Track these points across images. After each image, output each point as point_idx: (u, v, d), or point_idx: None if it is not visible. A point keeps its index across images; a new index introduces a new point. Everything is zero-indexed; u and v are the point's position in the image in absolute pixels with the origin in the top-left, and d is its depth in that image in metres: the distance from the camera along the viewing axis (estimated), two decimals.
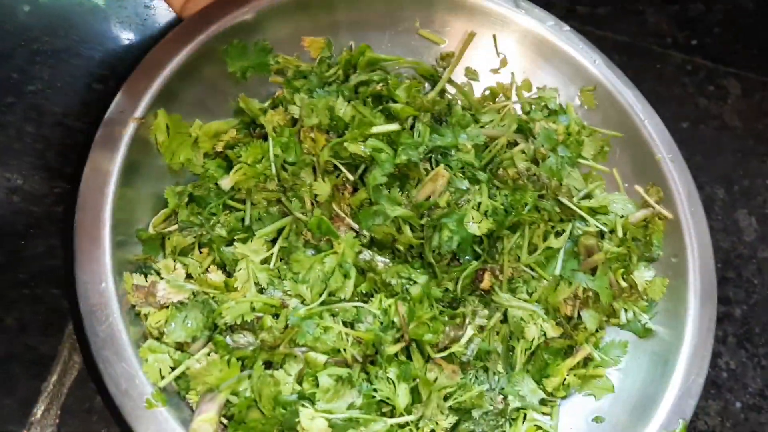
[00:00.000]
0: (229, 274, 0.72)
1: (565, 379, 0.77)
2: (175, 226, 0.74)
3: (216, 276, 0.72)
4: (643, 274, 0.83)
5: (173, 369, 0.65)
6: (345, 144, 0.74)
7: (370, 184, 0.74)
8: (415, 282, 0.73)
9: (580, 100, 0.90)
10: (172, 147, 0.78)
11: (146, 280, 0.69)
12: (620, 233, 0.83)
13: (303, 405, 0.64)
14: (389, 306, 0.71)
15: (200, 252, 0.74)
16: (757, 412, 0.91)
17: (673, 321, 0.79)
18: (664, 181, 0.85)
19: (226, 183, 0.76)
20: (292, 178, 0.74)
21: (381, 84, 0.83)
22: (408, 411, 0.68)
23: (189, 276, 0.72)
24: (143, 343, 0.66)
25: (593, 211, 0.84)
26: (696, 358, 0.76)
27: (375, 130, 0.76)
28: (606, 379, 0.79)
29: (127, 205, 0.72)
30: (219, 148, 0.79)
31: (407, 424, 0.67)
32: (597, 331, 0.81)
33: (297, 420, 0.63)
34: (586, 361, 0.80)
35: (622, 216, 0.84)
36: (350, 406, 0.65)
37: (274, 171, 0.74)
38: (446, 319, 0.72)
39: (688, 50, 1.14)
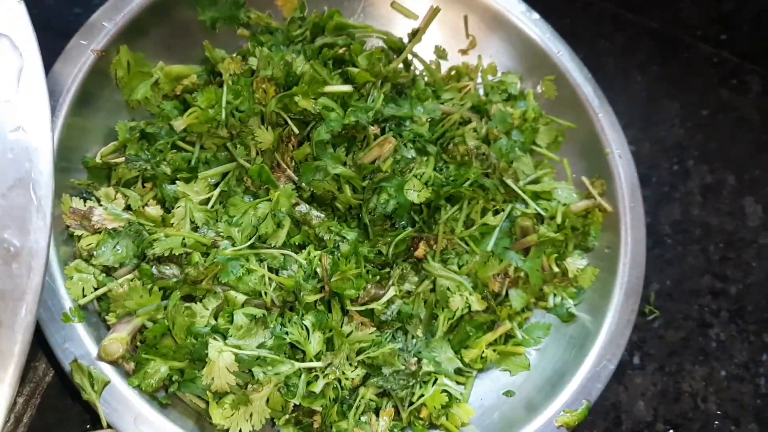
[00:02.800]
0: (168, 211, 0.75)
1: (483, 353, 0.79)
2: (122, 159, 0.76)
3: (154, 210, 0.74)
4: (577, 262, 0.84)
5: (96, 290, 0.68)
6: (296, 99, 0.76)
7: (314, 139, 0.76)
8: (345, 238, 0.75)
9: (541, 89, 0.92)
10: (132, 84, 0.80)
11: (84, 205, 0.72)
12: (559, 220, 0.84)
13: (214, 338, 0.66)
14: (314, 257, 0.73)
15: (143, 186, 0.77)
16: (740, 382, 0.94)
17: (596, 309, 0.81)
18: (609, 176, 0.87)
19: (178, 124, 0.78)
20: (240, 126, 0.76)
21: (344, 48, 0.85)
22: (318, 359, 0.70)
23: (128, 207, 0.74)
24: (71, 263, 0.68)
25: (536, 196, 0.86)
26: (610, 346, 0.77)
27: (328, 89, 0.78)
28: (524, 357, 0.80)
29: (76, 133, 0.74)
30: (178, 92, 0.82)
31: (314, 369, 0.69)
32: (523, 311, 0.83)
33: (206, 351, 0.65)
34: (508, 337, 0.82)
35: (565, 204, 0.86)
36: (260, 346, 0.68)
37: (224, 117, 0.76)
38: (370, 277, 0.74)
39: (716, 44, 1.15)
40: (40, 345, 0.68)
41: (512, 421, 0.74)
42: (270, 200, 0.74)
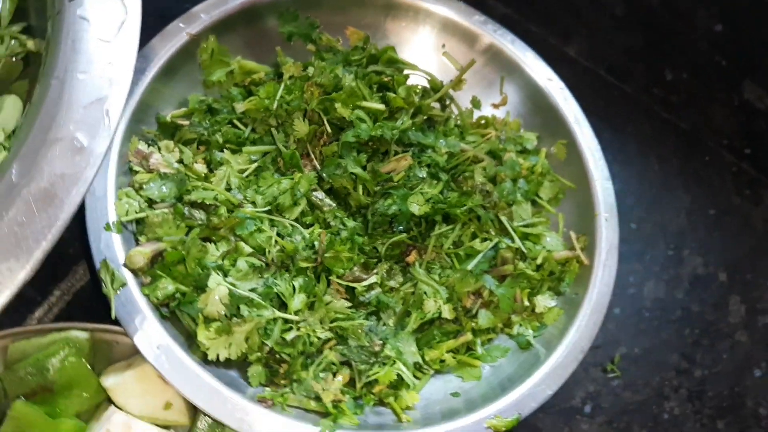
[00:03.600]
0: (211, 171, 0.90)
1: (443, 357, 0.89)
2: (187, 123, 0.93)
3: (200, 167, 0.90)
4: (546, 301, 0.94)
5: (137, 214, 0.84)
6: (336, 105, 0.91)
7: (342, 140, 0.90)
8: (346, 225, 0.88)
9: (554, 150, 1.04)
10: (211, 68, 0.98)
11: (147, 149, 0.88)
12: (539, 261, 0.95)
13: (217, 273, 0.80)
14: (316, 233, 0.86)
15: (197, 148, 0.93)
16: None
17: (551, 343, 0.90)
18: (594, 233, 0.97)
19: (239, 107, 0.94)
20: (286, 116, 0.92)
21: (389, 78, 1.00)
22: (296, 315, 0.82)
23: (180, 161, 0.90)
24: (125, 189, 0.85)
25: (525, 236, 0.97)
26: (553, 375, 0.86)
27: (364, 103, 0.93)
28: (478, 370, 0.90)
29: (156, 95, 0.92)
30: (246, 83, 0.99)
31: (291, 322, 0.82)
32: (489, 332, 0.93)
33: (207, 282, 0.79)
34: (469, 350, 0.92)
35: (549, 250, 0.97)
36: (252, 290, 0.81)
37: (275, 107, 0.92)
38: (358, 256, 0.87)
39: (739, 155, 1.24)
40: (83, 252, 0.84)
41: (450, 415, 0.84)
42: (293, 180, 0.88)
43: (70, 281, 0.90)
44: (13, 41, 0.81)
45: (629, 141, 1.21)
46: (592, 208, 0.99)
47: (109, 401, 0.80)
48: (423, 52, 1.09)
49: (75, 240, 0.91)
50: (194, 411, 0.82)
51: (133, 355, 0.82)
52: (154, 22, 0.87)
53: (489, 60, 1.08)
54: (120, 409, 0.78)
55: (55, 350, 0.77)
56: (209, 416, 0.76)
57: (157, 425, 0.79)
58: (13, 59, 0.82)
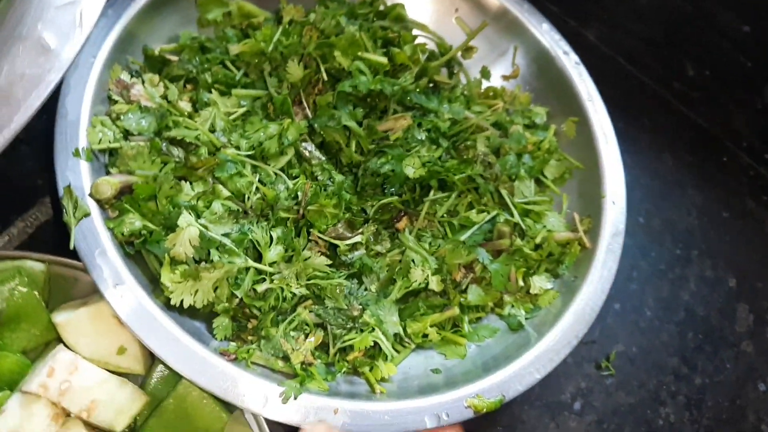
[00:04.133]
0: (196, 111, 0.84)
1: (427, 331, 0.83)
2: (176, 59, 0.87)
3: (186, 105, 0.84)
4: (543, 283, 0.88)
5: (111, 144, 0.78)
6: (335, 53, 0.85)
7: (338, 89, 0.84)
8: (334, 179, 0.82)
9: (564, 127, 0.98)
10: (209, 6, 0.92)
11: (130, 80, 0.82)
12: (538, 240, 0.88)
13: (189, 212, 0.74)
14: (301, 184, 0.80)
15: (185, 87, 0.87)
16: None
17: (543, 326, 0.83)
18: (598, 217, 0.90)
19: (234, 48, 0.89)
20: (281, 60, 0.86)
21: (396, 34, 0.94)
22: (270, 266, 0.76)
23: (165, 97, 0.84)
24: (101, 116, 0.79)
25: (526, 213, 0.90)
26: (542, 359, 0.79)
27: (365, 54, 0.87)
28: (463, 348, 0.84)
29: (146, 25, 0.86)
30: (243, 25, 0.93)
31: (264, 273, 0.75)
32: (478, 310, 0.87)
33: (177, 222, 0.73)
34: (455, 326, 0.85)
35: (549, 230, 0.90)
36: (225, 234, 0.75)
37: (270, 50, 0.86)
38: (343, 214, 0.80)
39: (757, 159, 1.19)
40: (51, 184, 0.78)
41: (429, 390, 0.77)
42: (281, 126, 0.82)
43: (34, 214, 0.84)
44: None
45: (643, 133, 1.15)
46: (600, 190, 0.92)
47: (59, 341, 0.73)
48: (434, 15, 1.03)
49: (44, 171, 0.85)
50: (150, 360, 0.76)
51: (91, 294, 0.76)
52: None
53: (502, 29, 1.02)
54: (70, 349, 0.72)
55: (4, 278, 0.71)
56: (165, 364, 0.70)
57: (108, 370, 0.73)
58: None
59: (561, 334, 0.82)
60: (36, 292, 0.72)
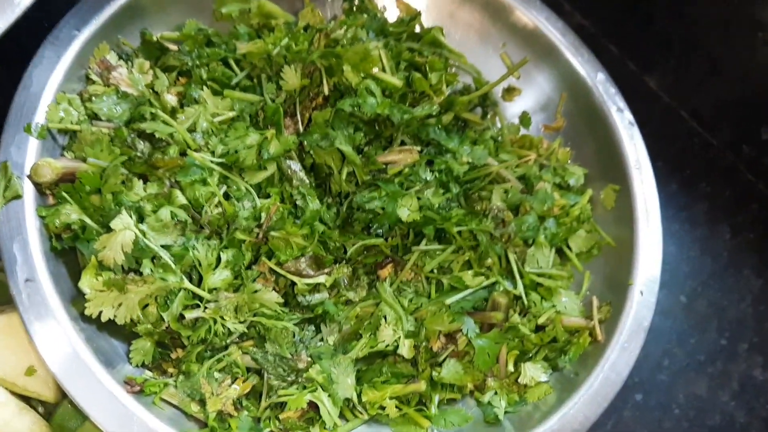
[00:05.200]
0: (181, 107, 0.76)
1: (384, 402, 0.70)
2: (176, 48, 0.80)
3: (172, 98, 0.76)
4: (537, 373, 0.73)
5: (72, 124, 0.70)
6: (344, 67, 0.75)
7: (337, 107, 0.74)
8: (308, 206, 0.71)
9: (603, 194, 0.84)
10: (227, 0, 0.84)
11: (117, 61, 0.75)
12: (541, 321, 0.74)
13: (130, 213, 0.65)
14: (268, 205, 0.70)
15: (177, 79, 0.79)
16: None
17: (524, 424, 0.69)
18: (620, 308, 0.75)
19: (241, 46, 0.80)
20: (283, 64, 0.76)
21: (425, 59, 0.83)
22: (209, 292, 0.66)
23: (151, 87, 0.76)
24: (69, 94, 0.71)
25: (535, 286, 0.76)
26: None
27: (378, 72, 0.76)
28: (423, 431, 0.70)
29: (151, 7, 0.79)
30: (259, 26, 0.85)
31: (199, 299, 0.65)
32: (453, 389, 0.73)
33: (113, 221, 0.64)
34: (421, 402, 0.72)
35: (559, 312, 0.76)
36: (165, 246, 0.65)
37: (275, 52, 0.77)
38: (310, 253, 0.69)
39: None
40: None
41: None
42: (266, 138, 0.72)
43: None
44: None
45: (700, 199, 0.98)
46: (628, 275, 0.77)
47: None
48: (479, 49, 0.92)
49: None
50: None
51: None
52: None
53: (552, 73, 0.90)
54: None
55: None
56: (55, 378, 0.60)
57: (13, 393, 0.64)
58: None
59: None
60: None
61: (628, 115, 0.84)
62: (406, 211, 0.73)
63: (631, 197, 0.81)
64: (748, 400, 0.88)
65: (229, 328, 0.65)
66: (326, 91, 0.75)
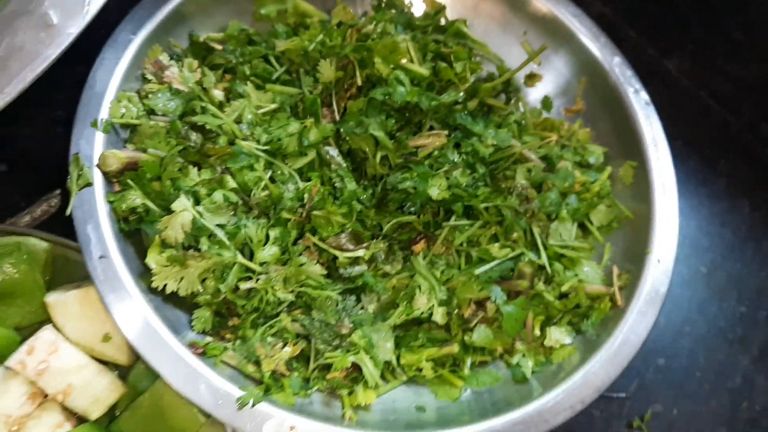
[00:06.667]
0: (228, 102, 0.83)
1: (421, 365, 0.76)
2: (221, 47, 0.87)
3: (219, 93, 0.83)
4: (561, 337, 0.79)
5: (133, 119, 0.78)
6: (374, 58, 0.81)
7: (370, 96, 0.80)
8: (346, 187, 0.78)
9: (622, 170, 0.89)
10: (265, 0, 0.91)
11: (168, 61, 0.83)
12: (565, 288, 0.80)
13: (188, 197, 0.72)
14: (310, 187, 0.76)
15: (223, 76, 0.86)
16: None
17: (549, 382, 0.75)
18: (639, 273, 0.81)
19: (280, 44, 0.87)
20: (319, 59, 0.83)
21: (450, 49, 0.89)
22: (260, 265, 0.73)
23: (200, 84, 0.84)
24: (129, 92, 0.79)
25: (558, 257, 0.82)
26: (537, 418, 0.71)
27: (406, 63, 0.82)
28: (457, 391, 0.76)
29: (198, 12, 0.86)
30: (295, 24, 0.92)
31: (251, 272, 0.72)
32: (484, 352, 0.79)
33: (173, 203, 0.71)
34: (455, 364, 0.78)
35: (581, 280, 0.81)
36: (219, 225, 0.73)
37: (311, 48, 0.84)
38: (349, 230, 0.76)
39: None
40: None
41: (408, 426, 0.71)
42: (303, 125, 0.79)
43: (59, 196, 0.85)
44: None
45: (719, 176, 1.02)
46: (646, 245, 0.82)
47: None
48: (501, 38, 0.97)
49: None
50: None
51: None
52: None
53: (571, 59, 0.95)
54: (58, 330, 0.71)
55: (3, 252, 0.71)
56: (131, 344, 0.68)
57: (92, 357, 0.72)
58: None
59: (565, 395, 0.73)
60: (37, 272, 0.72)
61: (644, 96, 0.89)
62: (436, 190, 0.79)
63: (648, 173, 0.86)
64: (767, 364, 0.92)
65: (278, 298, 0.72)
66: (359, 82, 0.82)
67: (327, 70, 0.81)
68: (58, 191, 0.85)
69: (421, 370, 0.77)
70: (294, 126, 0.79)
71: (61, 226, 0.83)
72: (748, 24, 1.08)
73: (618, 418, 0.86)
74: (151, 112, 0.80)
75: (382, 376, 0.76)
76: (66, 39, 0.60)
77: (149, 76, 0.82)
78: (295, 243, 0.76)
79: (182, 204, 0.71)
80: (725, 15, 1.10)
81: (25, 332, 0.73)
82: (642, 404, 0.87)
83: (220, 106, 0.82)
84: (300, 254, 0.75)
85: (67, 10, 0.61)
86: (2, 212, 0.83)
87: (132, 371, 0.73)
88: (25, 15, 0.59)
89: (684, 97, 1.05)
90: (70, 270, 0.76)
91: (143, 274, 0.72)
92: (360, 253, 0.76)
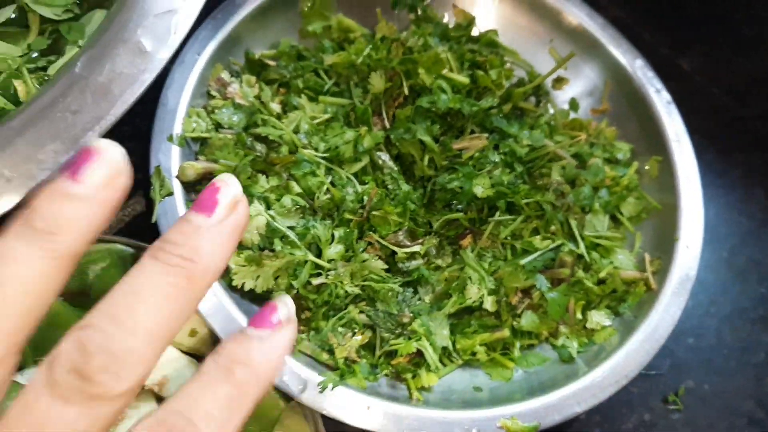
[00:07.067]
0: (284, 113, 0.90)
1: (475, 349, 0.84)
2: (274, 63, 0.94)
3: (276, 106, 0.90)
4: (601, 319, 0.86)
5: (203, 133, 0.85)
6: (418, 69, 0.89)
7: (417, 104, 0.87)
8: (401, 188, 0.85)
9: (648, 165, 0.96)
10: (311, 18, 0.99)
11: (229, 78, 0.90)
12: (602, 275, 0.87)
13: (260, 202, 0.79)
14: (368, 190, 0.83)
15: (278, 90, 0.93)
16: None
17: (594, 361, 0.82)
18: (669, 259, 0.88)
19: (328, 59, 0.94)
20: (367, 72, 0.90)
21: (484, 58, 0.96)
22: (328, 262, 0.80)
23: (258, 98, 0.91)
24: (198, 107, 0.86)
25: (594, 246, 0.89)
26: (586, 393, 0.78)
27: (447, 73, 0.90)
28: (510, 372, 0.83)
29: (250, 32, 0.93)
30: (340, 39, 0.99)
31: (321, 268, 0.79)
32: (531, 336, 0.86)
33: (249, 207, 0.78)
34: (505, 348, 0.85)
35: (616, 267, 0.88)
36: (290, 227, 0.80)
37: (359, 62, 0.91)
38: (406, 225, 0.83)
39: None
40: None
41: (466, 405, 0.78)
42: (359, 134, 0.86)
43: (132, 205, 0.92)
44: None
45: (734, 167, 1.10)
46: (674, 233, 0.90)
47: None
48: (529, 45, 1.05)
49: (143, 166, 0.93)
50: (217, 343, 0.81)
51: None
52: None
53: (596, 63, 1.02)
54: None
55: (97, 258, 0.78)
56: (217, 335, 0.75)
57: (181, 350, 0.79)
58: None
59: (610, 372, 0.80)
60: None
61: (666, 95, 0.96)
62: (480, 188, 0.87)
63: (672, 166, 0.94)
64: None
65: (347, 291, 0.79)
66: (406, 91, 0.89)
67: (377, 82, 0.88)
68: (130, 201, 0.92)
69: (475, 354, 0.84)
70: (350, 134, 0.86)
71: (137, 232, 0.90)
72: (754, 19, 1.15)
73: (654, 394, 0.93)
74: (217, 125, 0.87)
75: (440, 361, 0.83)
76: (159, 64, 0.66)
77: (213, 93, 0.89)
78: (356, 241, 0.83)
79: (256, 209, 0.78)
80: (731, 12, 1.17)
81: None
82: (675, 381, 0.94)
83: (278, 117, 0.89)
84: (363, 250, 0.82)
85: (157, 37, 0.67)
86: None
87: None
88: (121, 43, 0.66)
89: (698, 92, 1.13)
90: None
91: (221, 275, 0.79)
92: (416, 248, 0.83)
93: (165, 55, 0.68)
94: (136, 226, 0.93)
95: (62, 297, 0.78)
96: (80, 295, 0.78)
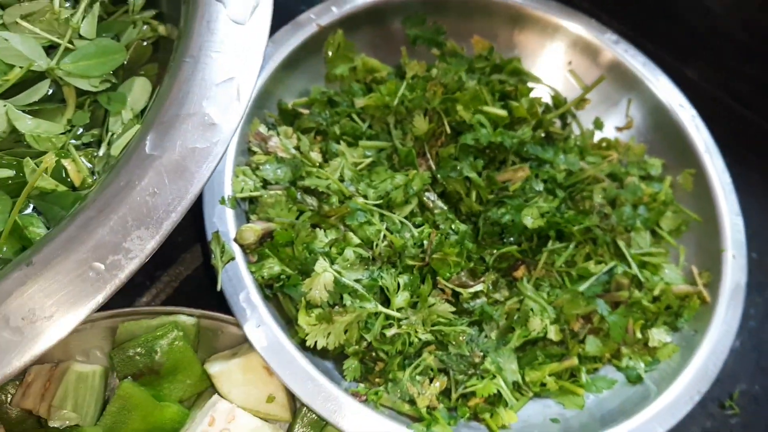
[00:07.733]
0: (325, 161, 0.90)
1: (545, 380, 0.84)
2: (307, 112, 0.93)
3: (316, 155, 0.89)
4: (662, 336, 0.88)
5: (252, 192, 0.84)
6: (457, 107, 0.89)
7: (461, 142, 0.88)
8: (457, 229, 0.85)
9: (681, 178, 0.98)
10: (336, 62, 0.98)
11: (267, 132, 0.89)
12: (656, 292, 0.89)
13: (324, 258, 0.79)
14: (426, 232, 0.83)
15: (315, 138, 0.93)
16: None
17: (663, 381, 0.83)
18: (718, 272, 0.90)
19: (359, 102, 0.94)
20: (406, 114, 0.90)
21: (513, 87, 0.97)
22: (398, 311, 0.79)
23: (297, 148, 0.90)
24: (242, 167, 0.85)
25: (643, 264, 0.91)
26: (663, 414, 0.79)
27: (486, 108, 0.90)
28: (581, 398, 0.84)
29: (280, 83, 0.93)
30: (367, 80, 0.99)
31: (392, 318, 0.79)
32: (595, 360, 0.87)
33: (313, 267, 0.78)
34: (573, 375, 0.86)
35: (667, 283, 0.90)
36: (357, 280, 0.79)
37: (395, 104, 0.91)
38: (466, 263, 0.83)
39: None
40: (194, 239, 0.85)
41: None
42: (407, 176, 0.86)
43: (178, 268, 0.91)
44: (144, 26, 0.83)
45: (752, 170, 1.13)
46: (717, 243, 0.92)
47: (211, 390, 0.78)
48: (548, 66, 1.06)
49: (185, 228, 0.91)
50: (295, 406, 0.80)
51: (237, 345, 0.81)
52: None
53: (615, 80, 1.04)
54: (223, 398, 0.77)
55: (164, 333, 0.76)
56: (301, 400, 0.74)
57: (259, 418, 0.77)
58: (144, 43, 0.83)
59: (683, 389, 0.81)
60: (190, 345, 0.77)
61: (690, 110, 0.99)
62: (530, 219, 0.87)
63: (706, 177, 0.96)
64: None
65: (419, 338, 0.79)
66: (447, 130, 0.89)
67: (421, 124, 0.88)
68: (174, 265, 0.91)
69: (545, 384, 0.84)
70: (399, 178, 0.86)
71: (186, 296, 0.89)
72: (752, 25, 1.19)
73: (711, 400, 0.95)
74: (264, 182, 0.86)
75: (512, 395, 0.84)
76: (228, 134, 0.65)
77: (255, 149, 0.88)
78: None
79: (323, 266, 0.77)
80: (725, 18, 1.20)
81: (185, 404, 0.79)
82: (729, 385, 0.97)
83: (320, 167, 0.89)
84: (428, 295, 0.81)
85: (222, 105, 0.66)
86: (132, 294, 0.88)
87: (294, 425, 0.79)
88: (188, 117, 0.65)
89: (707, 100, 1.15)
90: (211, 338, 0.82)
91: (290, 332, 0.78)
92: (479, 287, 0.84)
93: (233, 124, 0.67)
94: (186, 292, 0.91)
95: (132, 378, 0.76)
96: (150, 373, 0.76)
